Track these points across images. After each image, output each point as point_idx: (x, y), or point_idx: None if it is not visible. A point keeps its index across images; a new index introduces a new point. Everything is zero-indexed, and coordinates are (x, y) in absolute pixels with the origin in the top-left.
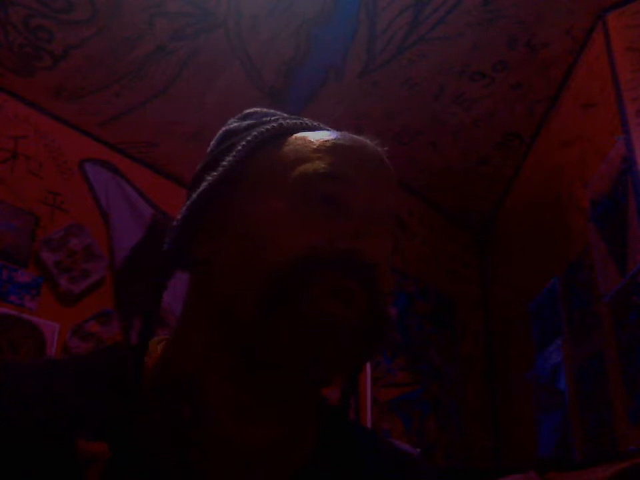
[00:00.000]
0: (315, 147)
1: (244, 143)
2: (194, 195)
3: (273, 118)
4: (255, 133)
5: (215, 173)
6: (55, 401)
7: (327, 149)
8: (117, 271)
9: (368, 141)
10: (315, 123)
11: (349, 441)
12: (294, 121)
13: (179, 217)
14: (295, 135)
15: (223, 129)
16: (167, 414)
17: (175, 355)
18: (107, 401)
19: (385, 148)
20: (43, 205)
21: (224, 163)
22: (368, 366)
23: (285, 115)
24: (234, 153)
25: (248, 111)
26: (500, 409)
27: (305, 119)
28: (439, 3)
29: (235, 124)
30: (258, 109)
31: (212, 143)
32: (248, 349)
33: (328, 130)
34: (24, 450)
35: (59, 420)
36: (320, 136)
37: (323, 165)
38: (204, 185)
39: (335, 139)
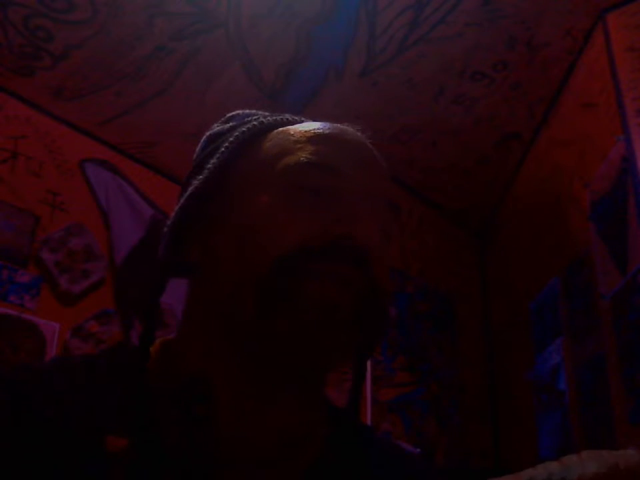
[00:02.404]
0: (295, 138)
1: (227, 144)
2: (182, 200)
3: (254, 118)
4: (236, 133)
5: (201, 177)
6: (82, 399)
7: (307, 139)
8: (117, 271)
9: (349, 128)
10: (296, 118)
11: (357, 441)
12: (274, 117)
13: (168, 223)
14: (276, 130)
15: (207, 133)
16: (180, 413)
17: (181, 357)
18: (123, 400)
19: (368, 133)
20: (43, 205)
21: (209, 166)
22: (368, 366)
23: (267, 113)
24: (218, 155)
25: (230, 114)
26: (500, 409)
27: (286, 114)
28: (439, 3)
29: (218, 127)
30: (240, 112)
31: (197, 148)
32: (251, 345)
33: (309, 122)
34: (57, 444)
35: (90, 416)
36: (300, 128)
37: (305, 155)
38: (190, 189)
39: (314, 129)
